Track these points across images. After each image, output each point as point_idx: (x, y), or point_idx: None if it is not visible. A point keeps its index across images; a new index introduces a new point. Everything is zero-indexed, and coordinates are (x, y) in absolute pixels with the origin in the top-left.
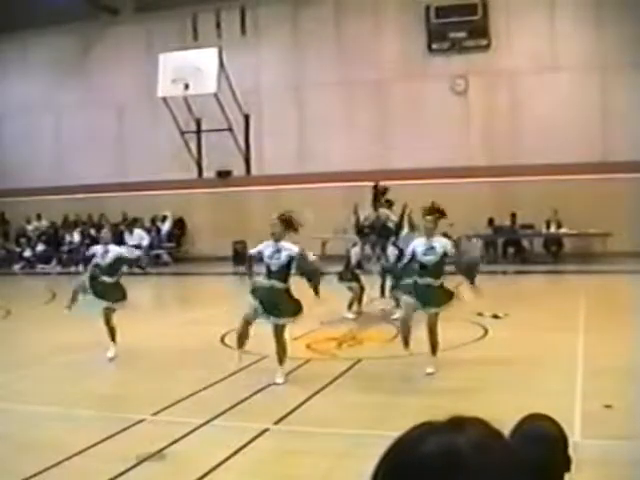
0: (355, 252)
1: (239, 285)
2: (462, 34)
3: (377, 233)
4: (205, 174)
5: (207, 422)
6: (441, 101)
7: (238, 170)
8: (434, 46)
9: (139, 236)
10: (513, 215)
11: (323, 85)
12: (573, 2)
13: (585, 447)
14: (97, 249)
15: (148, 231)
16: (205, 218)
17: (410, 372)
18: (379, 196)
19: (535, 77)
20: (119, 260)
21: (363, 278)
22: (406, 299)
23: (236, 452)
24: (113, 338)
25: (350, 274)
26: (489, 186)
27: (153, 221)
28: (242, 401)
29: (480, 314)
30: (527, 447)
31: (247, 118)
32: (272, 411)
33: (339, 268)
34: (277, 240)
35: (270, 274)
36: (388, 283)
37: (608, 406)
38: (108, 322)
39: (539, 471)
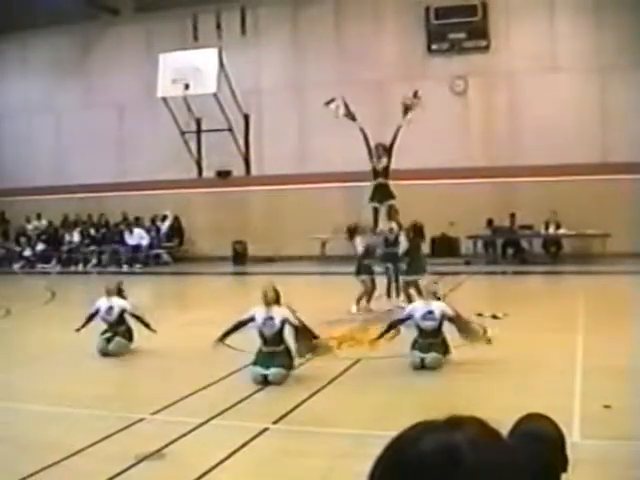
0: (360, 242)
1: (239, 285)
2: (462, 35)
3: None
4: (205, 174)
5: (206, 422)
6: (441, 102)
7: (238, 170)
8: (434, 47)
9: (139, 236)
10: (512, 216)
11: (323, 85)
12: (572, 3)
13: (584, 447)
14: (100, 305)
15: (148, 231)
16: (205, 218)
17: (410, 372)
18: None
19: (534, 78)
20: (124, 312)
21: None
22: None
23: (235, 452)
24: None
25: (366, 268)
26: (488, 186)
27: (153, 221)
28: (241, 401)
29: (479, 314)
30: (525, 447)
31: (247, 118)
32: (271, 411)
33: (339, 268)
34: (268, 305)
35: (266, 342)
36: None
37: (607, 406)
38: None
39: (537, 471)
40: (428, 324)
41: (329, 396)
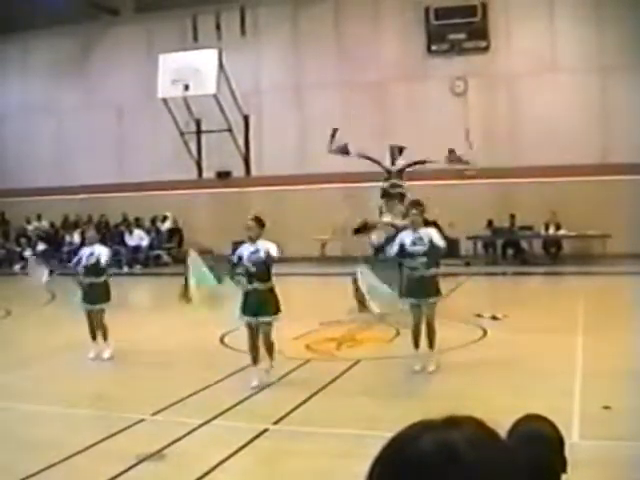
0: (375, 238)
1: (238, 285)
2: (461, 35)
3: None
4: (205, 175)
5: (207, 422)
6: (440, 102)
7: (238, 171)
8: (434, 47)
9: (139, 236)
10: (512, 216)
11: (323, 86)
12: (572, 4)
13: (584, 448)
14: (83, 252)
15: (148, 232)
16: (205, 219)
17: (409, 372)
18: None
19: (534, 79)
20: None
21: None
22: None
23: (235, 452)
24: (106, 337)
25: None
26: (488, 187)
27: (153, 222)
28: (242, 401)
29: (479, 315)
30: (523, 447)
31: (247, 119)
32: (272, 411)
33: (340, 269)
34: (254, 241)
35: (250, 276)
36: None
37: (607, 407)
38: (100, 322)
39: (535, 472)
40: (417, 248)
41: (329, 397)
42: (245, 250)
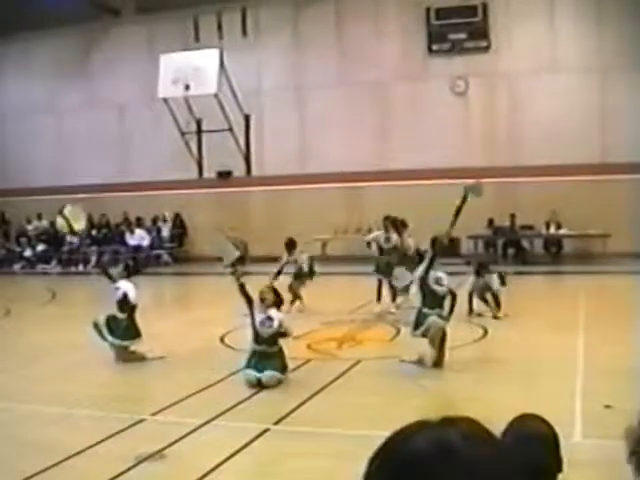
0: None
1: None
2: (462, 35)
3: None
4: (206, 174)
5: (207, 422)
6: (441, 102)
7: (239, 170)
8: (434, 47)
9: (140, 236)
10: (513, 216)
11: (324, 86)
12: (573, 4)
13: (585, 447)
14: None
15: (149, 231)
16: (206, 218)
17: (410, 373)
18: (399, 225)
19: (535, 78)
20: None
21: None
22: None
23: (236, 453)
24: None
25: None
26: (489, 187)
27: (154, 221)
28: (242, 401)
29: (480, 314)
30: (518, 447)
31: (248, 119)
32: (272, 412)
33: (340, 269)
34: (268, 307)
35: (260, 341)
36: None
37: (608, 406)
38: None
39: (531, 471)
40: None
41: (330, 397)
42: (258, 313)
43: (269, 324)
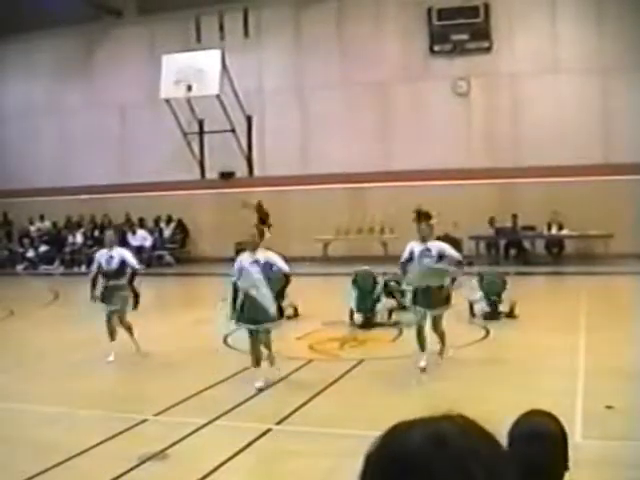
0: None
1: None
2: (464, 36)
3: None
4: (208, 175)
5: (209, 422)
6: (443, 103)
7: (241, 171)
8: (436, 48)
9: (142, 237)
10: (514, 216)
11: (325, 87)
12: (574, 5)
13: (586, 447)
14: (100, 258)
15: (151, 232)
16: (208, 219)
17: (412, 372)
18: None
19: (536, 79)
20: (124, 264)
21: None
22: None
23: (238, 452)
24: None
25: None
26: (490, 187)
27: (156, 222)
28: (244, 401)
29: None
30: (525, 445)
31: (250, 119)
32: (274, 411)
33: (342, 269)
34: (254, 250)
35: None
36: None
37: (609, 407)
38: (122, 322)
39: (537, 469)
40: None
41: (332, 397)
42: (245, 261)
43: (255, 266)
